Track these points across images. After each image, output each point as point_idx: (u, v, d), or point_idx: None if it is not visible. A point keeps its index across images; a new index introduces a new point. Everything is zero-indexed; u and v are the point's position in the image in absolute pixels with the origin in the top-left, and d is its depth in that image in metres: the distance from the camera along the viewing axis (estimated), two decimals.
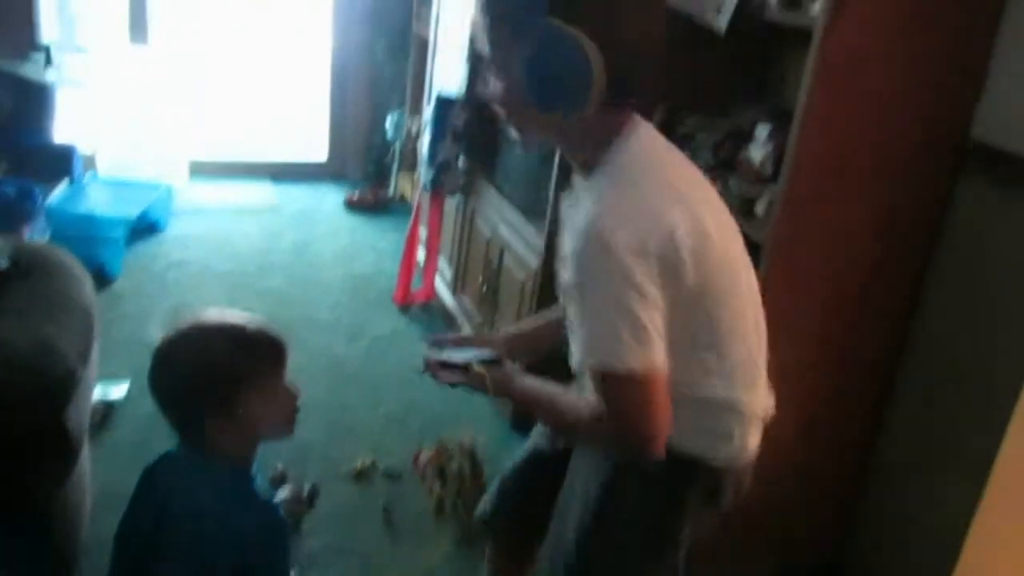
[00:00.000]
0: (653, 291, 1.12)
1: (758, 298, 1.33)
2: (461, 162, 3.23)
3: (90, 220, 3.65)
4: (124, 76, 4.29)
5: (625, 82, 1.17)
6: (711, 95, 2.30)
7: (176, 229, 4.21)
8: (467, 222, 3.31)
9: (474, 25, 1.25)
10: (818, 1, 1.72)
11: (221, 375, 1.25)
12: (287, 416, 1.34)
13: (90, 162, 4.19)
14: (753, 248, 1.87)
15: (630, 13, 1.18)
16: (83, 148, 4.06)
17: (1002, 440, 1.70)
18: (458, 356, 1.41)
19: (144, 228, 4.02)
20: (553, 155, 2.48)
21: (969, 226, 1.89)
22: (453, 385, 1.38)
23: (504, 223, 2.93)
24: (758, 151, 1.92)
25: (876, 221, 1.87)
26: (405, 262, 3.65)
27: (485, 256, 3.08)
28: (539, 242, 2.61)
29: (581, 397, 1.25)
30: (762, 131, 1.93)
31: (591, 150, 1.23)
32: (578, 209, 1.23)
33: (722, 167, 2.05)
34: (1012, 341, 1.80)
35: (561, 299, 1.33)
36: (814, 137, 1.73)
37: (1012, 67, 1.78)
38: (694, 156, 2.13)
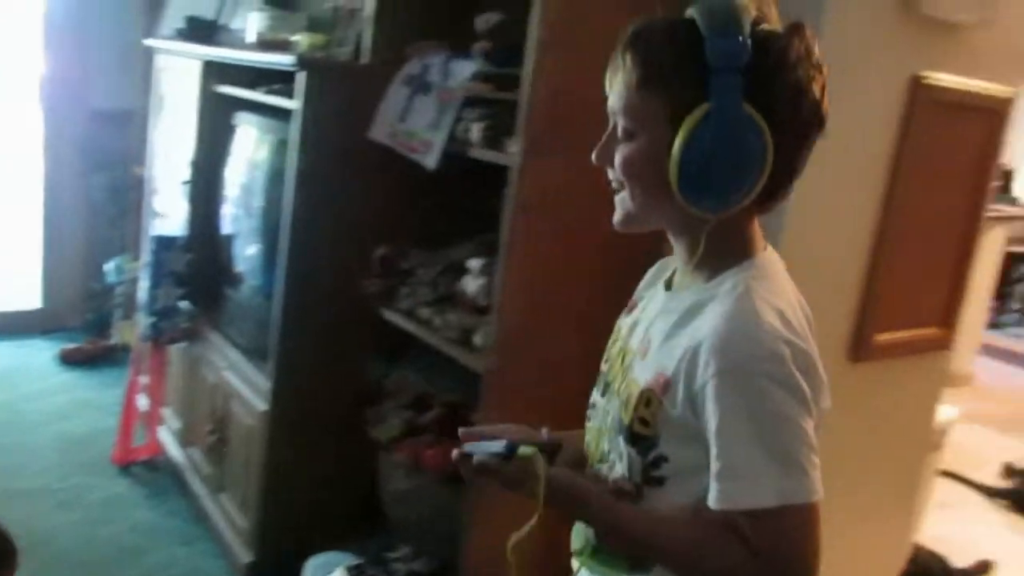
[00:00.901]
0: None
1: None
2: (183, 307, 3.04)
3: None
4: None
5: (786, 180, 0.98)
6: (431, 230, 2.35)
7: None
8: (191, 370, 3.09)
9: (617, 76, 1.01)
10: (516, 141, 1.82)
11: None
12: None
13: None
14: (468, 377, 1.91)
15: (811, 98, 0.95)
16: None
17: None
18: (494, 446, 1.07)
19: None
20: (273, 293, 2.40)
21: None
22: (480, 476, 1.08)
23: (230, 368, 2.77)
24: (472, 284, 1.96)
25: (586, 354, 1.95)
26: (125, 417, 3.32)
27: (211, 403, 2.87)
28: (267, 385, 2.47)
29: (686, 521, 0.97)
30: (475, 264, 1.98)
31: (715, 257, 1.00)
32: (684, 304, 1.02)
33: (440, 301, 2.07)
34: None
35: (652, 429, 0.99)
36: (519, 269, 1.80)
37: None
38: (414, 292, 2.15)
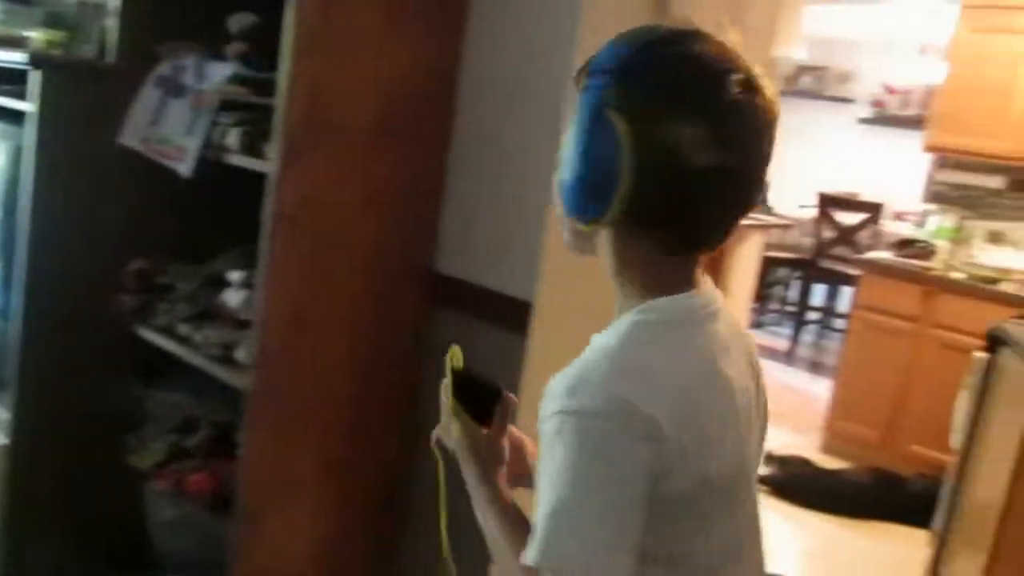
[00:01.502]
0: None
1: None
2: None
3: None
4: None
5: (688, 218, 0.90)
6: (191, 241, 2.21)
7: None
8: None
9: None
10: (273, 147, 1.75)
11: None
12: None
13: None
14: (236, 395, 1.81)
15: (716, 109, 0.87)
16: None
17: None
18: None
19: None
20: (9, 313, 2.17)
21: (444, 348, 2.03)
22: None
23: None
24: (234, 297, 1.86)
25: (356, 360, 1.92)
26: None
27: None
28: (5, 416, 2.23)
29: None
30: (237, 276, 1.89)
31: (621, 295, 0.97)
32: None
33: (201, 316, 1.95)
34: None
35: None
36: (282, 280, 1.73)
37: (459, 206, 1.98)
38: (173, 307, 2.01)
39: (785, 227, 6.34)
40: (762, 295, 6.83)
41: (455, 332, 2.01)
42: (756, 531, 1.06)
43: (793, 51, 5.35)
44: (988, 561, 2.62)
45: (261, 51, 1.85)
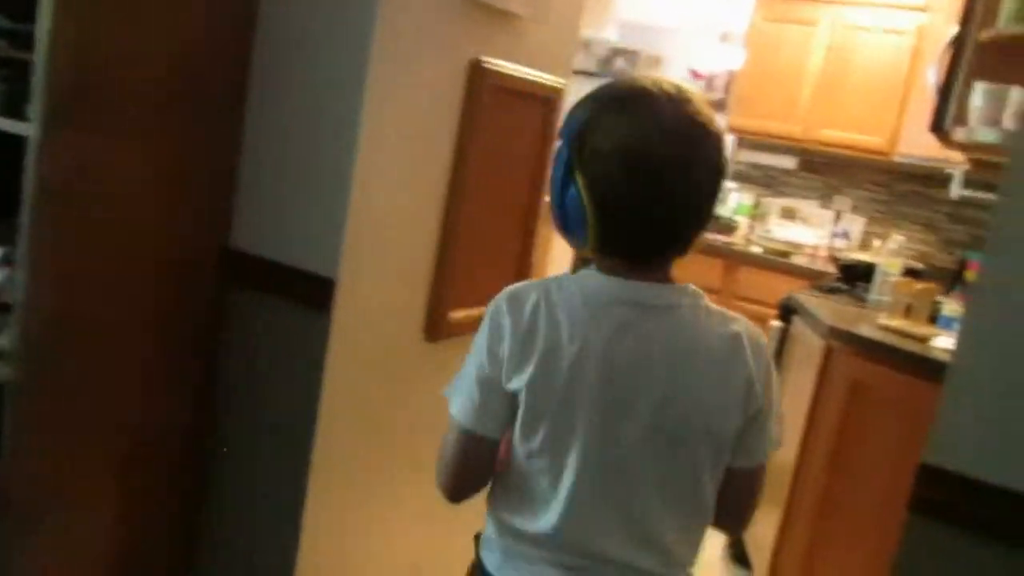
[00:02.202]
0: None
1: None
2: None
3: None
4: None
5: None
6: None
7: None
8: None
9: None
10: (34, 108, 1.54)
11: None
12: None
13: None
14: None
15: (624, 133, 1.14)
16: None
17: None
18: None
19: None
20: None
21: (243, 331, 1.91)
22: None
23: None
24: None
25: (142, 348, 1.76)
26: None
27: None
28: None
29: None
30: None
31: None
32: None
33: None
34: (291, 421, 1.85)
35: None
36: (51, 259, 1.54)
37: (256, 178, 1.85)
38: None
39: None
40: None
41: (255, 311, 1.88)
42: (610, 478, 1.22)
43: (604, 32, 5.48)
44: (783, 517, 2.80)
45: None
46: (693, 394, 1.18)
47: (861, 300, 3.14)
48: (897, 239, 4.56)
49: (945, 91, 2.74)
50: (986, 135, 2.39)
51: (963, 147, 2.78)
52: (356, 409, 1.93)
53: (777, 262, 4.67)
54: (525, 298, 1.20)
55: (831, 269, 4.16)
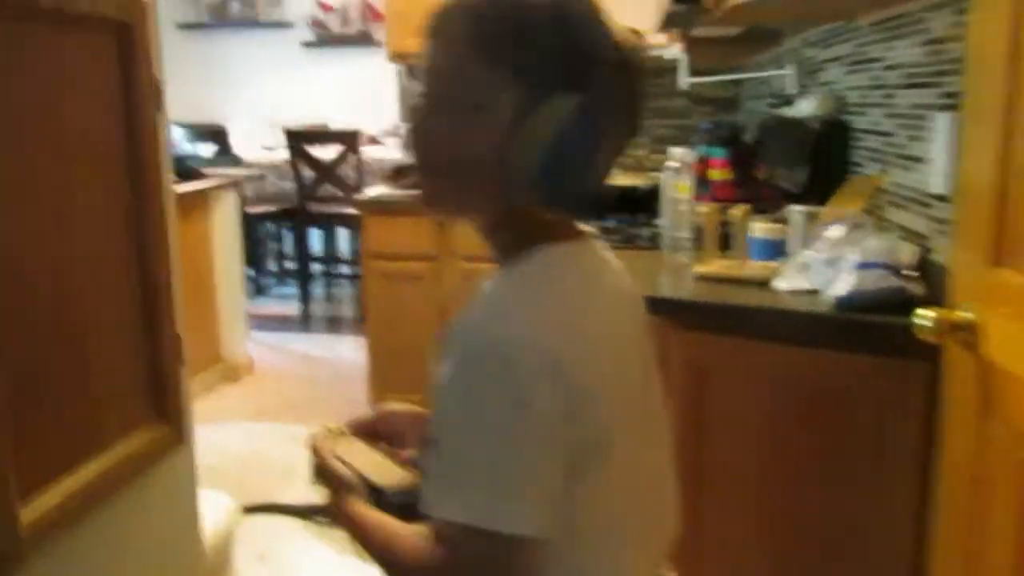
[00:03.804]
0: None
1: None
2: None
3: None
4: None
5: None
6: None
7: None
8: None
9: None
10: None
11: None
12: None
13: None
14: None
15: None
16: None
17: None
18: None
19: None
20: None
21: None
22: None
23: None
24: None
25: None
26: None
27: None
28: None
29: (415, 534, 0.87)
30: None
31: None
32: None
33: None
34: None
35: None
36: None
37: None
38: None
39: (259, 177, 5.43)
40: (255, 257, 5.91)
41: None
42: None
43: None
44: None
45: None
46: None
47: (644, 239, 2.37)
48: (677, 152, 3.78)
49: None
50: None
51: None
52: None
53: None
54: None
55: None
